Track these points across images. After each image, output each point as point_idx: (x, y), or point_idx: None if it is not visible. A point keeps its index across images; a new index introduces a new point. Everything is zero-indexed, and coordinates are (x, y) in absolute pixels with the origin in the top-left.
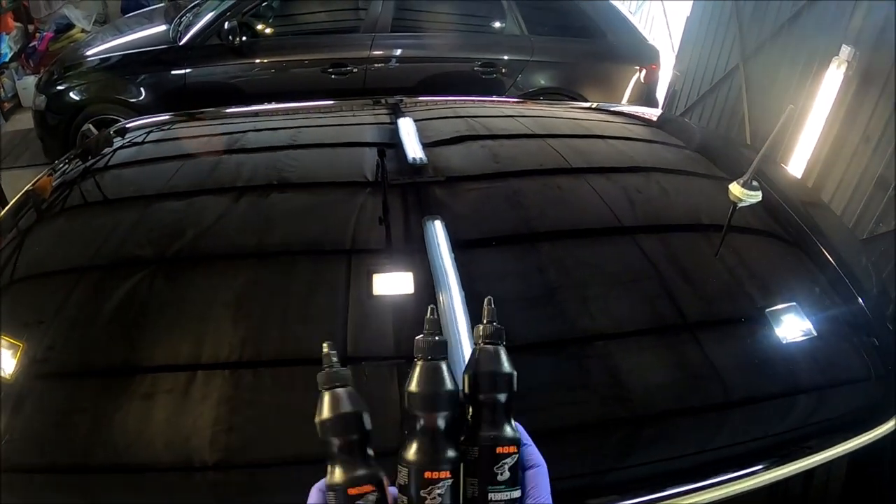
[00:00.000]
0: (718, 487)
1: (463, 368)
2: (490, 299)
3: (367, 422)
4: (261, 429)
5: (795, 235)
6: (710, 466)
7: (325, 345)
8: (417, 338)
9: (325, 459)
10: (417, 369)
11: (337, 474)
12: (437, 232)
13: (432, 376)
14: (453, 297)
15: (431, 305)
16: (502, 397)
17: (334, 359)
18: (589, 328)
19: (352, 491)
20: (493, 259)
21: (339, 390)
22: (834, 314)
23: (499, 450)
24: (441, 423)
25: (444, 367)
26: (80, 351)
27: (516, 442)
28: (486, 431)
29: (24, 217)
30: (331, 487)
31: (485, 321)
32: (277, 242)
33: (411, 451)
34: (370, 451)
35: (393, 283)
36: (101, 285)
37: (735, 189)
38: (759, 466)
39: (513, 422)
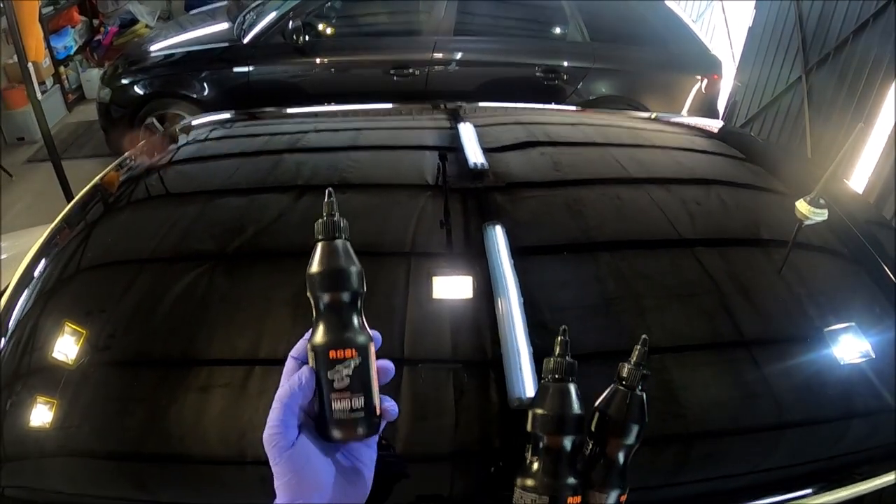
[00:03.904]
0: None
1: (524, 385)
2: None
3: (362, 281)
4: None
5: (856, 253)
6: (757, 489)
7: (327, 191)
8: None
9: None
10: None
11: (319, 334)
12: (498, 237)
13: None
14: (512, 304)
15: (564, 327)
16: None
17: (335, 207)
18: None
19: (333, 354)
20: (552, 267)
21: (337, 242)
22: (894, 335)
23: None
24: (566, 446)
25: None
26: (140, 341)
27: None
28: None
29: (91, 210)
30: (312, 347)
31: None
32: None
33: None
34: (360, 317)
35: (452, 287)
36: (163, 278)
37: (802, 207)
38: (808, 491)
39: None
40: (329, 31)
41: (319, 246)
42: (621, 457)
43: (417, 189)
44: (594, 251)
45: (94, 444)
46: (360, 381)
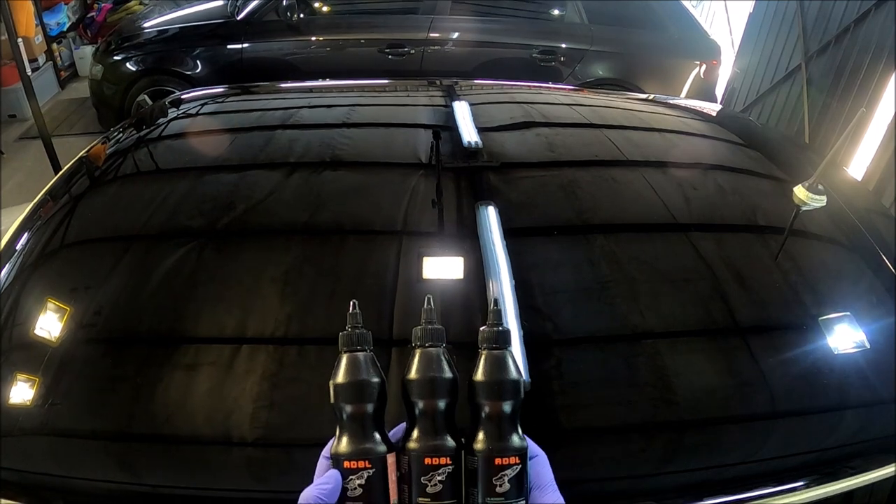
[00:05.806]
0: (753, 502)
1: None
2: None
3: (384, 392)
4: (301, 407)
5: (855, 241)
6: (747, 480)
7: (351, 303)
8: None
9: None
10: (416, 356)
11: (340, 444)
12: (490, 218)
13: (436, 363)
14: (503, 284)
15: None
16: (507, 406)
17: (359, 320)
18: (637, 325)
19: (348, 464)
20: (545, 248)
21: (359, 354)
22: (891, 325)
23: (497, 461)
24: (441, 409)
25: (443, 355)
26: (126, 318)
27: (520, 452)
28: (487, 442)
29: (76, 183)
30: (333, 455)
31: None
32: (328, 220)
33: (413, 438)
34: (379, 427)
35: (443, 267)
36: (149, 255)
37: (800, 192)
38: (799, 483)
39: (519, 429)
40: (324, 8)
41: (344, 358)
42: (505, 415)
43: (410, 167)
44: (588, 233)
45: (78, 423)
46: (374, 491)
